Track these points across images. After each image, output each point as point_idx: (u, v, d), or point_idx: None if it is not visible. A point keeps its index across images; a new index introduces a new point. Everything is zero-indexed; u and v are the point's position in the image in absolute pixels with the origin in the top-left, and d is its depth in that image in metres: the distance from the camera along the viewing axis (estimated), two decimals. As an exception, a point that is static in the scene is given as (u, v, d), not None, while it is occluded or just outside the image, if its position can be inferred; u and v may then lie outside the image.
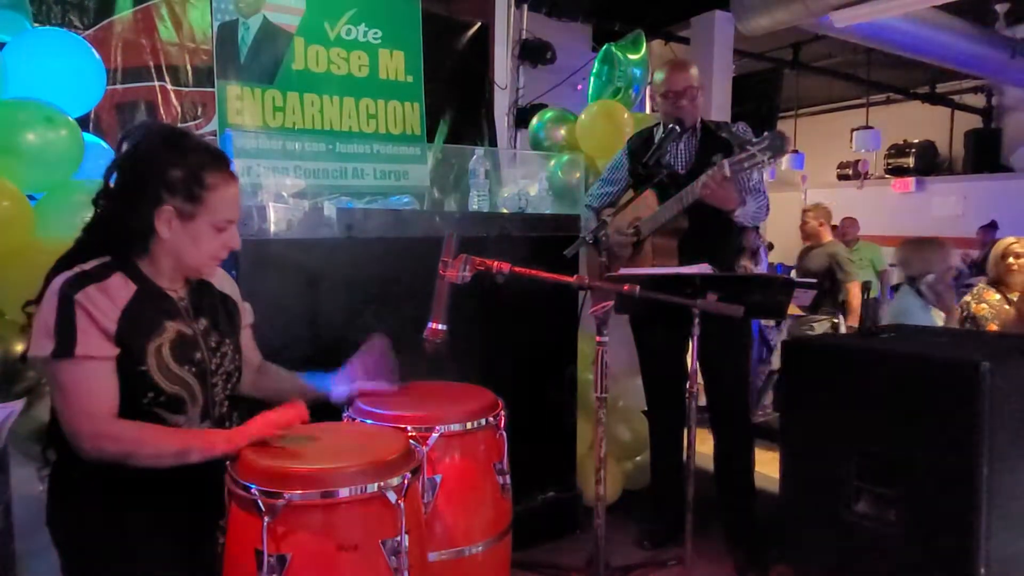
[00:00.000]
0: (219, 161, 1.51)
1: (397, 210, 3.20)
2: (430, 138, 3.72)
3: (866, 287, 6.41)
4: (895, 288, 7.80)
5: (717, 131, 2.71)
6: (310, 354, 2.31)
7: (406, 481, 1.41)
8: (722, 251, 2.76)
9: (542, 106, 4.50)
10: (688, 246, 2.68)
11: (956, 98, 9.58)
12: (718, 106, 5.67)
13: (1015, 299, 3.24)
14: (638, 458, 3.39)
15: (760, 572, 2.66)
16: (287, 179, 2.97)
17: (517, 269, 1.76)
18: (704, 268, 2.37)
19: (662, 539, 2.94)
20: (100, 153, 2.48)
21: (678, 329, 2.24)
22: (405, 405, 1.83)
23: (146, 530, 1.45)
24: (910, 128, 10.04)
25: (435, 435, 1.73)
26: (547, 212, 3.55)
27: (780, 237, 8.08)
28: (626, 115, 3.57)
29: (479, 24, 4.22)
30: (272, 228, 2.34)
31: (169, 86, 3.04)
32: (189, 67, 3.08)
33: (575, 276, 1.87)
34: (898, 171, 10.01)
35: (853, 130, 9.50)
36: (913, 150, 9.91)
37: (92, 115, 2.77)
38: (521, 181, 3.75)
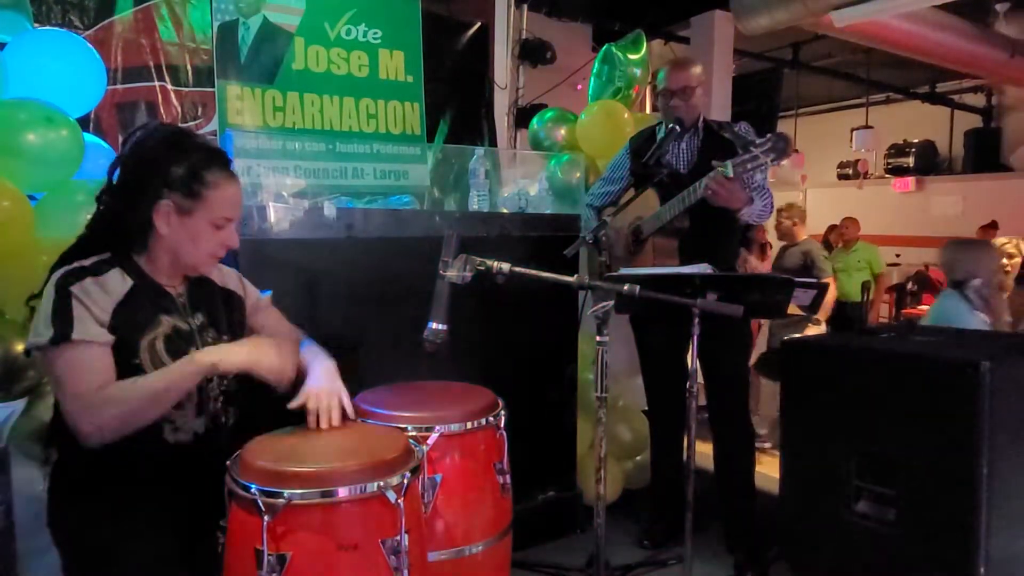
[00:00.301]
0: (220, 160, 1.54)
1: (397, 210, 3.20)
2: (430, 138, 3.72)
3: (865, 287, 6.43)
4: (893, 289, 7.83)
5: (719, 131, 2.71)
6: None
7: (406, 481, 1.41)
8: (723, 251, 2.76)
9: (542, 106, 4.51)
10: (689, 246, 2.68)
11: (956, 98, 9.57)
12: (718, 106, 5.67)
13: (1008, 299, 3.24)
14: (638, 458, 3.39)
15: (760, 571, 2.66)
16: (287, 179, 2.97)
17: (517, 269, 1.76)
18: (704, 268, 2.37)
19: (662, 538, 2.95)
20: (100, 153, 2.48)
21: (678, 329, 2.24)
22: (405, 405, 1.83)
23: (146, 530, 1.46)
24: (910, 128, 10.04)
25: (435, 435, 1.73)
26: (547, 212, 3.55)
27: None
28: (626, 115, 3.57)
29: (479, 24, 4.22)
30: (272, 228, 2.35)
31: (169, 86, 3.04)
32: (189, 67, 3.08)
33: (575, 276, 1.87)
34: (898, 171, 10.01)
35: (853, 130, 9.50)
36: (913, 150, 9.91)
37: (92, 115, 2.77)
38: (521, 181, 3.75)
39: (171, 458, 1.51)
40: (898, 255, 9.30)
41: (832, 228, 7.46)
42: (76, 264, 1.47)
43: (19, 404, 2.02)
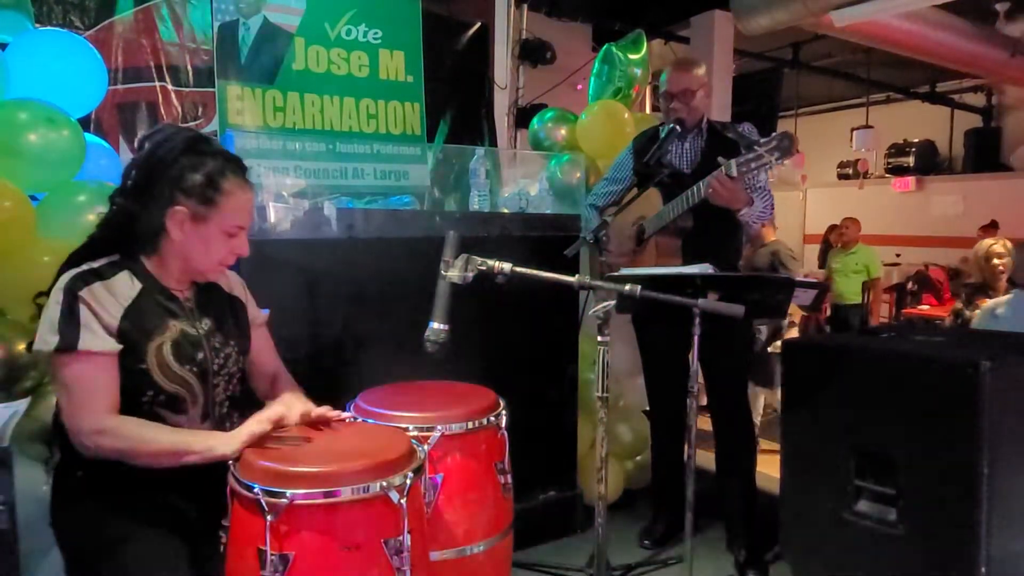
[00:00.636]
0: (237, 168, 1.54)
1: (397, 210, 3.21)
2: (430, 138, 3.72)
3: (866, 287, 6.42)
4: (893, 289, 7.82)
5: (723, 131, 2.71)
6: (310, 354, 2.31)
7: (408, 481, 1.41)
8: (726, 251, 2.76)
9: (542, 106, 4.50)
10: (692, 246, 2.68)
11: (956, 97, 9.57)
12: (718, 106, 5.68)
13: None
14: (639, 457, 3.40)
15: (760, 571, 2.67)
16: (287, 179, 2.97)
17: (518, 269, 1.77)
18: (705, 268, 2.37)
19: (663, 538, 2.95)
20: (101, 153, 2.48)
21: (679, 329, 2.24)
22: (406, 405, 1.84)
23: (149, 530, 1.46)
24: (910, 127, 10.04)
25: (436, 435, 1.74)
26: (547, 212, 3.55)
27: (780, 236, 8.07)
28: (626, 115, 3.57)
29: (479, 24, 4.22)
30: (272, 228, 2.35)
31: (170, 86, 3.05)
32: (190, 67, 3.08)
33: (575, 276, 1.87)
34: (898, 170, 10.01)
35: (853, 129, 9.50)
36: (913, 149, 9.91)
37: (93, 115, 2.77)
38: (521, 181, 3.75)
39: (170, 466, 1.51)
40: (898, 255, 9.31)
41: (832, 228, 7.45)
42: (85, 266, 1.46)
43: (21, 404, 2.02)
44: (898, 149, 10.04)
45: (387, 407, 1.80)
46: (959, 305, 3.62)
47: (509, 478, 1.89)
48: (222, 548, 1.46)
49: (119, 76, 2.91)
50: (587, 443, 3.10)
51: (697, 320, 2.16)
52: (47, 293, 1.45)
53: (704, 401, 2.96)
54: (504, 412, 1.90)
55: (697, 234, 2.67)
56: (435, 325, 1.74)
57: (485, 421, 1.83)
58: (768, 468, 2.81)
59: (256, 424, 1.49)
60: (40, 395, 2.09)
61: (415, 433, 1.70)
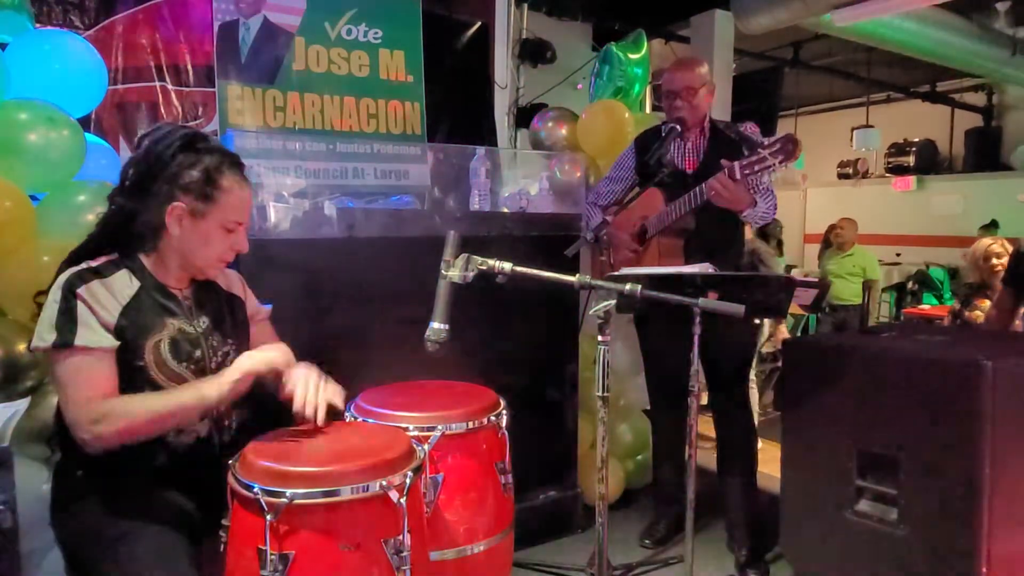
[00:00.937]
0: (234, 164, 1.55)
1: (398, 210, 3.20)
2: (431, 138, 3.72)
3: (866, 287, 6.38)
4: (893, 289, 7.81)
5: (726, 131, 2.70)
6: (310, 354, 2.30)
7: (408, 480, 1.41)
8: (728, 251, 2.76)
9: (542, 105, 4.50)
10: (694, 246, 2.68)
11: (956, 97, 9.56)
12: (718, 105, 5.63)
13: None
14: (639, 457, 3.39)
15: (761, 571, 2.66)
16: (288, 179, 2.97)
17: (519, 268, 1.76)
18: (705, 267, 2.37)
19: (663, 538, 2.95)
20: (102, 153, 2.48)
21: (680, 328, 2.24)
22: (407, 404, 1.84)
23: (149, 529, 1.46)
24: (910, 127, 10.03)
25: (437, 434, 1.74)
26: (548, 211, 3.55)
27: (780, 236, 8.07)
28: (627, 115, 3.57)
29: (479, 23, 4.22)
30: (273, 228, 2.35)
31: (170, 86, 3.05)
32: (190, 67, 3.08)
33: (576, 275, 1.87)
34: (898, 170, 10.00)
35: (853, 129, 9.49)
36: (913, 149, 9.89)
37: (93, 115, 2.78)
38: (522, 180, 3.75)
39: (174, 459, 1.52)
40: (898, 254, 9.30)
41: (832, 228, 7.40)
42: (84, 265, 1.47)
43: (22, 404, 2.02)
44: (898, 148, 10.03)
45: (387, 407, 1.80)
46: (957, 306, 3.61)
47: (509, 478, 1.89)
48: (222, 548, 1.46)
49: (119, 76, 2.91)
50: (587, 443, 3.10)
51: (698, 320, 2.15)
52: (46, 292, 1.46)
53: (705, 401, 2.96)
54: (504, 412, 1.90)
55: (699, 234, 2.67)
56: (435, 325, 1.74)
57: (485, 421, 1.83)
58: (769, 468, 2.81)
59: (247, 359, 1.50)
60: (40, 395, 2.09)
61: (415, 433, 1.70)
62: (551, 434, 2.96)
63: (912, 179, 9.78)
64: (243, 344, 1.67)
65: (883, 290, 7.89)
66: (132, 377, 1.45)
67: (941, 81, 9.29)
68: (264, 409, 1.63)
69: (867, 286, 6.29)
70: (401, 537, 1.38)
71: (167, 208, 1.48)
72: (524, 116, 4.66)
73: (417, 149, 3.54)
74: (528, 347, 2.79)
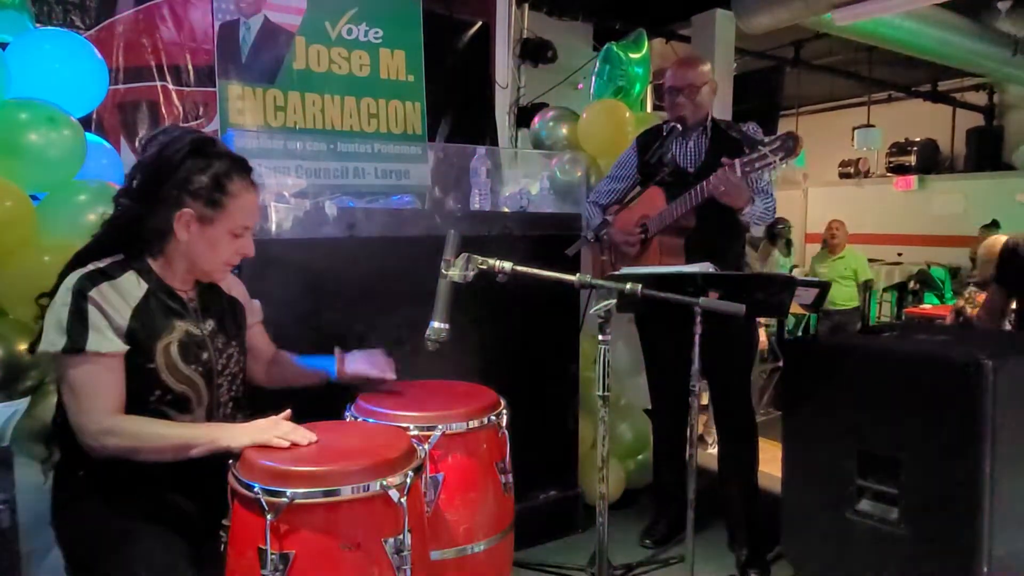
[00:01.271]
0: (243, 169, 1.55)
1: (398, 209, 3.20)
2: (431, 137, 3.72)
3: (867, 287, 6.35)
4: (894, 288, 7.80)
5: (728, 130, 2.70)
6: (310, 353, 2.30)
7: (408, 480, 1.41)
8: (729, 250, 2.75)
9: (543, 105, 4.50)
10: (695, 245, 2.67)
11: (958, 96, 9.56)
12: (719, 104, 5.63)
13: None
14: (640, 457, 3.39)
15: (762, 571, 2.66)
16: (288, 179, 2.97)
17: (519, 268, 1.76)
18: (706, 267, 2.37)
19: (664, 538, 2.95)
20: (102, 153, 2.48)
21: (681, 328, 2.24)
22: (407, 404, 1.84)
23: (149, 529, 1.46)
24: (911, 126, 10.02)
25: (437, 434, 1.74)
26: (548, 211, 3.55)
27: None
28: (628, 114, 3.57)
29: (480, 23, 4.22)
30: (273, 228, 2.35)
31: (171, 86, 3.04)
32: (191, 67, 3.08)
33: (576, 275, 1.87)
34: (899, 169, 10.00)
35: (854, 128, 9.49)
36: (915, 148, 9.89)
37: (94, 115, 2.77)
38: (522, 180, 3.75)
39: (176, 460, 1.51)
40: (900, 254, 9.29)
41: (828, 228, 7.35)
42: (92, 267, 1.47)
43: (22, 403, 2.02)
44: (899, 148, 10.02)
45: (387, 406, 1.80)
46: (960, 303, 3.61)
47: (510, 477, 1.89)
48: (223, 547, 1.46)
49: (120, 75, 2.91)
50: (588, 442, 3.10)
51: (698, 319, 2.15)
52: (50, 294, 1.45)
53: (706, 400, 2.96)
54: (505, 411, 1.90)
55: (700, 233, 2.67)
56: (436, 324, 1.74)
57: (486, 420, 1.82)
58: (769, 468, 2.80)
59: (271, 428, 1.47)
60: (40, 395, 2.09)
61: (416, 432, 1.70)
62: (552, 434, 2.96)
63: (913, 179, 9.78)
64: (242, 345, 1.68)
65: (884, 290, 7.88)
66: (143, 379, 1.46)
67: (942, 80, 9.29)
68: (264, 409, 1.63)
69: (866, 287, 6.25)
70: (402, 536, 1.38)
71: (175, 214, 1.48)
72: (525, 116, 4.66)
73: (418, 149, 3.54)
74: (528, 347, 2.79)
